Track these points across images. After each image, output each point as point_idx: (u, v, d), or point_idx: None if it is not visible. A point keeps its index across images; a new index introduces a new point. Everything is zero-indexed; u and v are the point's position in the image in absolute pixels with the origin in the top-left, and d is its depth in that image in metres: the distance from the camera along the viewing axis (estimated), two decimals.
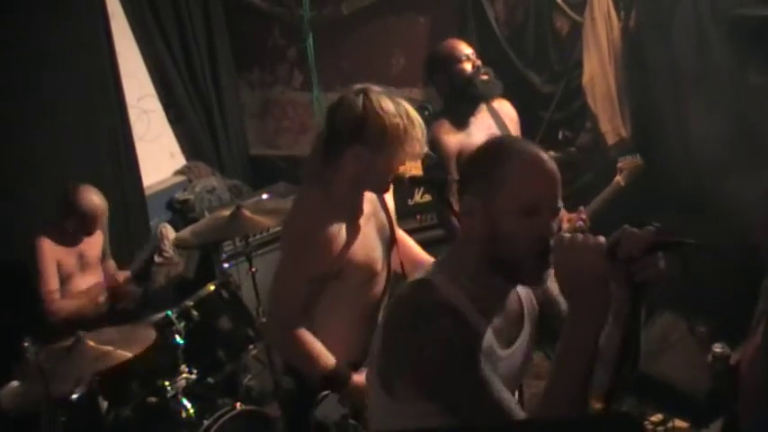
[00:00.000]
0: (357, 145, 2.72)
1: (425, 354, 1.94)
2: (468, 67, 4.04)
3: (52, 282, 4.71)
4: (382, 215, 3.05)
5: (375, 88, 2.82)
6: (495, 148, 2.07)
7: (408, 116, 2.74)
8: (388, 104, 2.73)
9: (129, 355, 3.73)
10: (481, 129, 4.06)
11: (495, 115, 4.18)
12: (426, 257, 3.24)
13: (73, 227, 4.74)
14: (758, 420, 2.39)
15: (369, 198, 2.96)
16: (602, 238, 1.86)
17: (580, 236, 1.86)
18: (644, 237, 1.81)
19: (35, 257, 4.69)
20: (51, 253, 4.74)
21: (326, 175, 2.82)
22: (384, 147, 2.72)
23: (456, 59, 4.05)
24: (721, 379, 3.85)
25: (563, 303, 2.23)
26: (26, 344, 3.52)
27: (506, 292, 2.15)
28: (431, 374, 1.96)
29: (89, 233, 4.82)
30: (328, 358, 2.91)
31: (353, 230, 2.86)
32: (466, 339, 1.96)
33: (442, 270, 2.09)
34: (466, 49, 4.08)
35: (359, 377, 2.90)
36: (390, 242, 3.06)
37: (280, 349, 2.98)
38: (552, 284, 2.24)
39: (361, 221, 2.91)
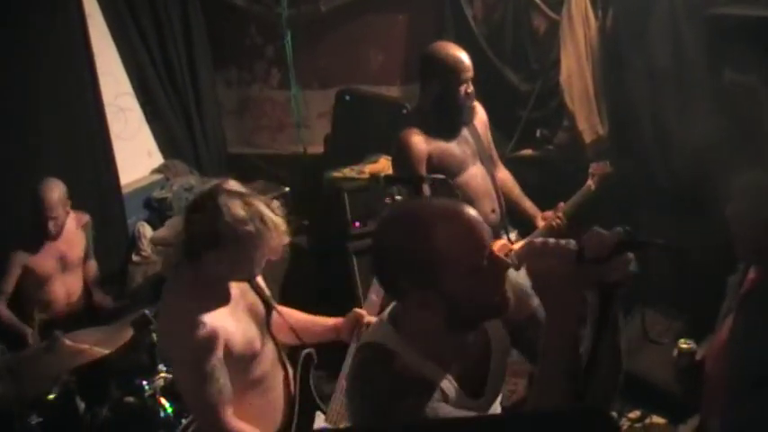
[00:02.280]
0: (214, 251, 2.75)
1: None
2: (463, 90, 3.97)
3: (5, 284, 4.76)
4: (251, 294, 3.04)
5: (230, 187, 2.81)
6: (412, 234, 1.94)
7: (262, 219, 2.75)
8: (238, 211, 2.72)
9: (106, 352, 3.72)
10: None
11: None
12: (309, 317, 3.28)
13: (38, 221, 4.72)
14: (725, 417, 2.41)
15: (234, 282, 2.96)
16: (572, 242, 1.86)
17: (552, 240, 1.86)
18: (610, 237, 1.81)
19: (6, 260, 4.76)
20: (20, 259, 4.78)
21: (191, 273, 2.83)
22: (240, 251, 2.75)
23: (457, 79, 3.94)
24: (686, 375, 3.87)
25: None
26: None
27: (467, 340, 2.12)
28: None
29: (51, 227, 4.76)
30: None
31: (226, 317, 2.84)
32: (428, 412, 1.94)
33: (399, 331, 2.06)
34: (469, 72, 3.97)
35: None
36: (267, 318, 3.06)
37: None
38: (538, 308, 2.19)
39: (231, 306, 2.90)
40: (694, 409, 3.57)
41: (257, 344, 2.93)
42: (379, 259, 2.02)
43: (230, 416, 2.81)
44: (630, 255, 1.81)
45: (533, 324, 2.18)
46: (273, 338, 3.07)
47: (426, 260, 1.92)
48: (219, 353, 2.75)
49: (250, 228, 2.72)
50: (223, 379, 2.77)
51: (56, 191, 4.72)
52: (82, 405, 4.01)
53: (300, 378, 3.13)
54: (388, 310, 2.16)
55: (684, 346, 3.94)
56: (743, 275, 2.86)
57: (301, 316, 3.29)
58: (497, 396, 2.26)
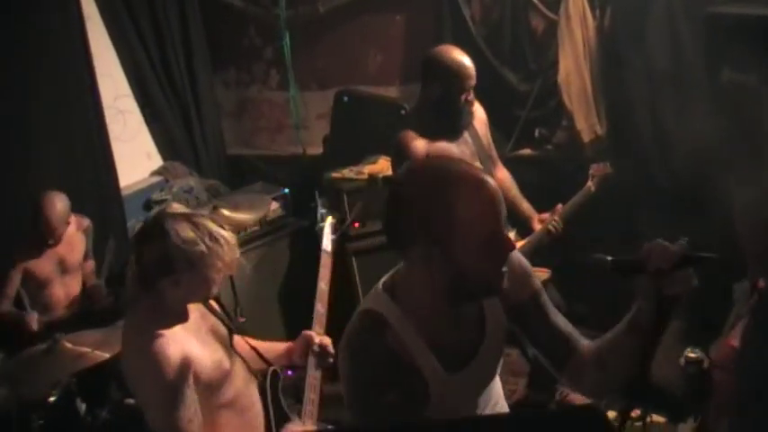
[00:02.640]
0: (168, 277, 2.73)
1: (357, 410, 2.04)
2: (463, 98, 3.97)
3: (8, 288, 4.74)
4: (211, 316, 3.01)
5: (174, 210, 2.82)
6: (438, 185, 1.97)
7: (211, 236, 2.74)
8: (187, 233, 2.71)
9: (107, 356, 3.72)
10: None
11: None
12: (262, 343, 3.23)
13: (40, 231, 4.72)
14: (736, 424, 2.40)
15: (192, 306, 2.92)
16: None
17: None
18: (674, 251, 1.81)
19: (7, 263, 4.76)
20: (20, 264, 4.77)
21: (148, 302, 2.79)
22: (195, 273, 2.73)
23: (459, 86, 3.95)
24: (695, 382, 3.88)
25: (552, 313, 2.24)
26: None
27: (462, 318, 2.14)
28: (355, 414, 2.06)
29: (52, 241, 4.77)
30: None
31: (191, 342, 2.81)
32: (403, 406, 1.98)
33: (395, 297, 2.09)
34: (471, 80, 3.98)
35: None
36: (229, 338, 3.02)
37: None
38: (540, 290, 2.25)
39: (194, 330, 2.87)
40: (694, 408, 3.57)
41: (226, 364, 2.89)
42: (396, 206, 2.02)
43: None
44: (692, 270, 1.82)
45: (535, 304, 2.21)
46: (241, 357, 3.03)
47: (443, 214, 1.93)
48: (190, 380, 2.71)
49: (201, 247, 2.70)
50: (194, 406, 2.72)
51: (58, 205, 4.70)
52: (82, 407, 4.02)
53: (271, 396, 3.06)
54: (382, 280, 2.17)
55: (692, 355, 3.94)
56: (751, 282, 2.84)
57: (255, 342, 3.22)
58: (491, 377, 2.28)
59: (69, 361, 3.71)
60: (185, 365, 2.70)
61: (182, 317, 2.84)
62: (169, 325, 2.77)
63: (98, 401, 4.10)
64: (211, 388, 2.82)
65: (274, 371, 3.13)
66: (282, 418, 3.05)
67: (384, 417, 1.97)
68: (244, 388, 2.97)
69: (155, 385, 2.70)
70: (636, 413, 4.17)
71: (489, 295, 2.09)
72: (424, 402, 2.04)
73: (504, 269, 2.00)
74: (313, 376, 3.04)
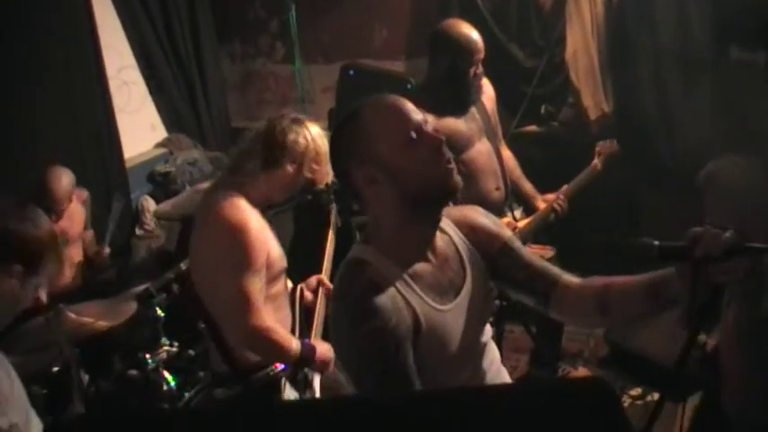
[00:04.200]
0: (294, 164, 3.05)
1: (354, 349, 2.06)
2: (472, 72, 3.93)
3: None
4: None
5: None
6: (349, 118, 2.16)
7: (322, 139, 3.11)
8: (317, 130, 3.13)
9: (109, 324, 3.73)
10: None
11: None
12: None
13: (43, 205, 4.70)
14: (744, 406, 2.40)
15: None
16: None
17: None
18: (726, 239, 1.77)
19: None
20: None
21: (246, 176, 3.06)
22: (302, 167, 3.07)
23: (467, 60, 3.90)
24: (699, 366, 3.88)
25: (526, 254, 2.31)
26: None
27: (431, 240, 2.19)
28: (356, 368, 2.10)
29: (55, 216, 4.76)
30: (294, 343, 3.07)
31: (267, 230, 3.10)
32: (396, 330, 2.02)
33: (369, 243, 2.17)
34: (480, 54, 3.93)
35: (322, 351, 3.14)
36: None
37: (250, 345, 3.04)
38: (511, 238, 2.34)
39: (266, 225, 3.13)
40: (696, 387, 3.58)
41: (284, 261, 3.17)
42: (333, 148, 2.23)
43: (263, 316, 2.99)
44: (744, 259, 1.77)
45: (506, 252, 2.30)
46: None
47: (360, 136, 2.10)
48: (264, 258, 2.99)
49: (316, 146, 3.08)
50: (261, 282, 2.99)
51: (64, 180, 4.70)
52: (85, 378, 4.03)
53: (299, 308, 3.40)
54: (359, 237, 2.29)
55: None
56: None
57: None
58: (482, 318, 2.32)
59: (71, 331, 3.72)
60: (266, 244, 3.01)
61: (264, 209, 3.12)
62: (254, 210, 3.04)
63: (101, 373, 4.11)
64: (269, 276, 3.06)
65: (301, 288, 3.46)
66: (302, 329, 3.32)
67: (383, 348, 2.01)
68: (283, 289, 3.25)
69: (237, 251, 2.94)
70: (637, 392, 4.19)
71: (448, 195, 2.15)
72: (418, 330, 2.08)
73: (451, 166, 2.10)
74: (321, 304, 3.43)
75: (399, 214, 2.10)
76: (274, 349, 3.02)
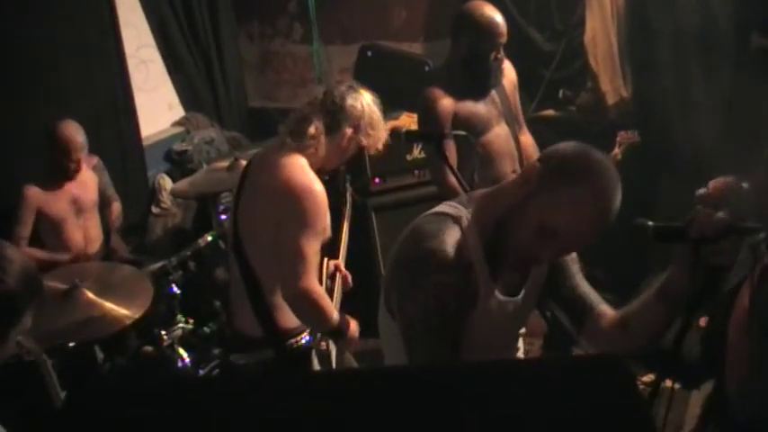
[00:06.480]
0: (349, 128, 3.17)
1: (411, 306, 2.03)
2: (493, 55, 3.92)
3: (23, 229, 4.71)
4: None
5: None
6: (581, 165, 1.97)
7: (376, 104, 3.29)
8: (370, 97, 3.28)
9: (127, 313, 3.71)
10: None
11: None
12: None
13: (57, 162, 4.70)
14: (749, 388, 2.40)
15: None
16: None
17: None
18: (720, 219, 1.79)
19: (19, 203, 4.72)
20: (35, 200, 4.73)
21: (308, 139, 3.12)
22: (361, 133, 3.20)
23: (489, 43, 3.89)
24: (711, 347, 3.87)
25: (576, 275, 2.30)
26: None
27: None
28: (409, 324, 2.06)
29: (73, 168, 4.76)
30: (336, 313, 3.10)
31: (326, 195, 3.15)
32: (461, 295, 2.01)
33: (474, 211, 2.10)
34: (502, 38, 3.93)
35: (353, 329, 3.16)
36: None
37: (298, 305, 3.05)
38: (573, 257, 2.30)
39: None
40: (708, 374, 3.58)
41: (329, 232, 3.23)
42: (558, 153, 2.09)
43: (315, 279, 3.05)
44: (738, 240, 1.80)
45: (563, 267, 2.30)
46: None
47: (561, 184, 1.96)
48: (325, 222, 3.09)
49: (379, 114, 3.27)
50: (319, 246, 3.07)
51: (80, 133, 4.69)
52: (100, 354, 4.06)
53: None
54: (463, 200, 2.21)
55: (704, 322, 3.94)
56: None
57: None
58: (523, 322, 2.36)
59: (89, 320, 3.73)
60: (326, 209, 3.09)
61: (322, 170, 3.21)
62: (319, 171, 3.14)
63: (116, 349, 4.14)
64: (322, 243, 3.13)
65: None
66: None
67: (445, 303, 1.99)
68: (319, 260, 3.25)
69: (307, 209, 3.01)
70: (649, 378, 4.18)
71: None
72: (473, 304, 2.06)
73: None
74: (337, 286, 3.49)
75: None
76: (320, 314, 3.04)
